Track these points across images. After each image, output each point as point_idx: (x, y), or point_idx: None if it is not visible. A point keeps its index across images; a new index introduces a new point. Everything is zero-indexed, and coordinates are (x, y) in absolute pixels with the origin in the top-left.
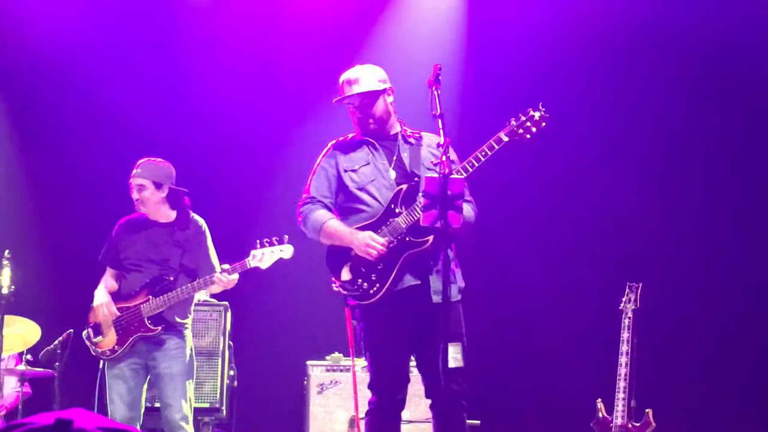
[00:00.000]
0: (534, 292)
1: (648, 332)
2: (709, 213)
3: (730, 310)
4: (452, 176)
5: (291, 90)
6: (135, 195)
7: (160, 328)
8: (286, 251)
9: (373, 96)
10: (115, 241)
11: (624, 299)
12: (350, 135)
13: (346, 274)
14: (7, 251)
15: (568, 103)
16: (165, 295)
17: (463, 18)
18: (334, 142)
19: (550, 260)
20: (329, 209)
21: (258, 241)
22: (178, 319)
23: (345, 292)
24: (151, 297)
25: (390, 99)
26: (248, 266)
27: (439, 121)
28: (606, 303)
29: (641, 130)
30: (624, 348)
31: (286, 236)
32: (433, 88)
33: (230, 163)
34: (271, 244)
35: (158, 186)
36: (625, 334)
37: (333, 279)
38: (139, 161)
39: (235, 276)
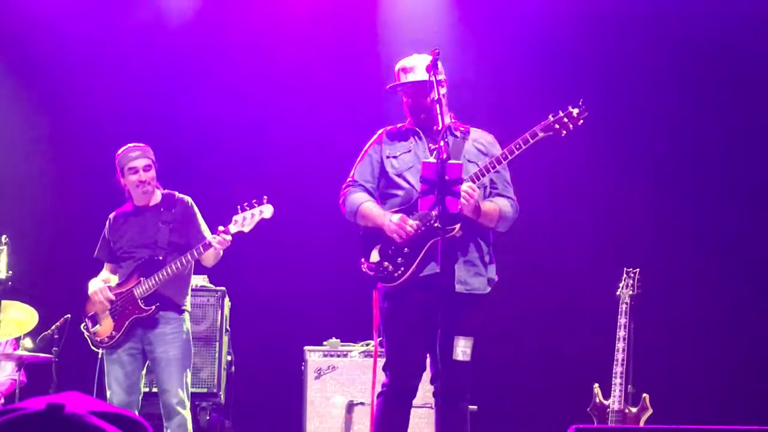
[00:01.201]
0: (531, 277)
1: (645, 317)
2: (707, 198)
3: (727, 295)
4: (450, 161)
5: (275, 66)
6: (142, 177)
7: (154, 307)
8: (266, 211)
9: (426, 86)
10: (107, 236)
11: (621, 284)
12: (399, 124)
13: (375, 256)
14: (4, 236)
15: (567, 89)
16: (156, 275)
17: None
18: (382, 130)
19: (547, 245)
20: (370, 193)
21: (238, 206)
22: (173, 299)
23: (372, 273)
24: (142, 279)
25: (443, 91)
26: (231, 232)
27: (437, 106)
28: (603, 288)
29: (638, 116)
30: (621, 333)
31: (265, 197)
32: (431, 73)
33: (208, 139)
34: (251, 206)
35: (155, 165)
36: (623, 320)
37: (362, 260)
38: (128, 146)
39: (228, 236)
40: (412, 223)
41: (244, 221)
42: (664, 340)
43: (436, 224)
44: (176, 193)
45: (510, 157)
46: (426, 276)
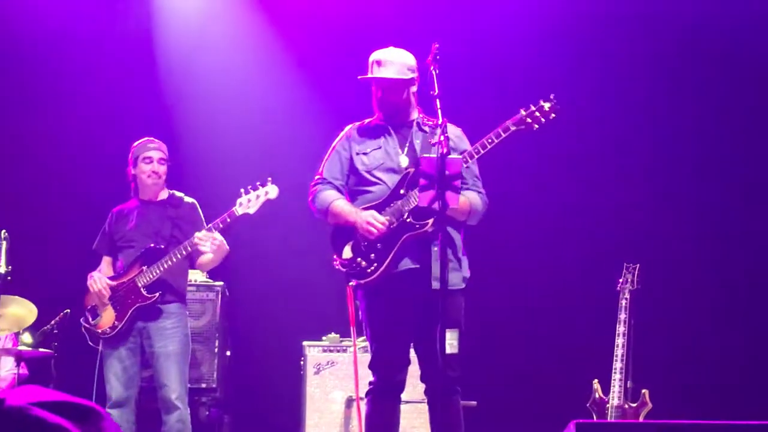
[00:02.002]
0: (531, 272)
1: (645, 313)
2: (707, 194)
3: (727, 290)
4: (450, 156)
5: (272, 60)
6: (155, 167)
7: (157, 294)
8: (271, 192)
9: (398, 84)
10: (108, 230)
11: (621, 280)
12: (367, 120)
13: (347, 252)
14: (3, 231)
15: (564, 83)
16: (159, 263)
17: None
18: (351, 126)
19: (547, 240)
20: (339, 191)
21: (242, 189)
22: (175, 286)
23: (344, 270)
24: (144, 267)
25: (413, 89)
26: (237, 215)
27: (437, 101)
28: (603, 284)
29: (635, 110)
30: (621, 329)
31: (269, 178)
32: (432, 67)
33: (210, 128)
34: (255, 188)
35: (168, 164)
36: (622, 315)
37: (335, 256)
38: (146, 139)
39: (220, 237)
40: (383, 219)
41: (249, 203)
42: (663, 335)
43: (408, 219)
44: (184, 196)
45: (482, 152)
46: (401, 271)
